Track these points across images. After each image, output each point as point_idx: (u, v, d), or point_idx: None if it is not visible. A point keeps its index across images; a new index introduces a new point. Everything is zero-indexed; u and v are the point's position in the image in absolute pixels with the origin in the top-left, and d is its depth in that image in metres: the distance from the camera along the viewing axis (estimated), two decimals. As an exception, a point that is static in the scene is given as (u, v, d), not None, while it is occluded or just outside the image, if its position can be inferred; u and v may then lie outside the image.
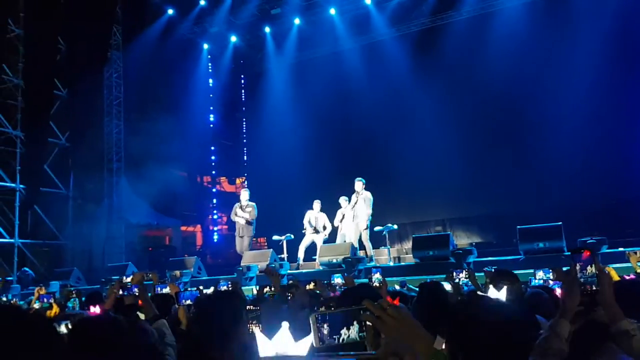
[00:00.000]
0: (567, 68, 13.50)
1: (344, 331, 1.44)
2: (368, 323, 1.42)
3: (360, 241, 11.46)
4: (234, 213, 12.13)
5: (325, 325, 1.44)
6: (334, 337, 1.44)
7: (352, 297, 2.26)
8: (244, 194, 12.25)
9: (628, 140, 12.94)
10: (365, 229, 11.31)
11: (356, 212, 11.36)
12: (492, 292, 3.02)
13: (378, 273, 6.48)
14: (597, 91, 12.98)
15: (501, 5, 15.11)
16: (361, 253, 11.30)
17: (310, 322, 1.45)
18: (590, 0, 13.74)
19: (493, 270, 5.38)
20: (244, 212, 11.93)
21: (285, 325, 1.90)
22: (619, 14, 13.08)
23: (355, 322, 1.44)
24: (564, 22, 14.02)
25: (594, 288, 2.05)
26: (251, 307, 3.46)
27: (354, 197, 11.50)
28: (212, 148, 19.53)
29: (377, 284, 5.76)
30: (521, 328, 1.67)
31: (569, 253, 2.20)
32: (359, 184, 11.47)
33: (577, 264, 2.09)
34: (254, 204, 12.08)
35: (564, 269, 4.76)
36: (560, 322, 2.02)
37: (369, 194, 11.44)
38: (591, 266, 2.09)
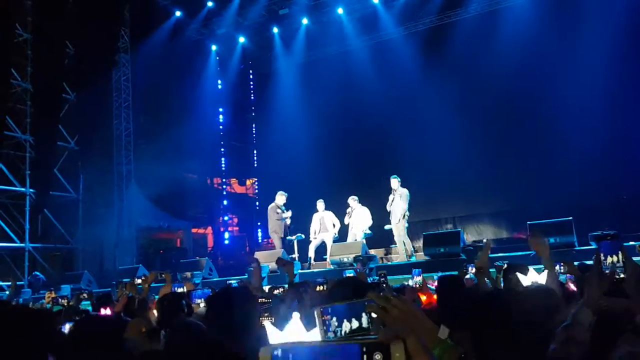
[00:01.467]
0: (577, 64, 13.37)
1: (345, 323, 1.42)
2: (373, 315, 1.41)
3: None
4: (274, 214, 12.17)
5: (330, 318, 1.43)
6: (338, 329, 1.42)
7: (343, 289, 2.26)
8: (282, 198, 12.24)
9: (637, 136, 12.80)
10: (403, 225, 11.34)
11: (393, 210, 11.35)
12: (532, 275, 3.10)
13: (421, 276, 6.16)
14: (607, 87, 12.87)
15: (509, 2, 15.01)
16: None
17: (315, 315, 1.44)
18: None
19: (504, 265, 5.33)
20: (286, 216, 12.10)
21: (296, 315, 1.88)
22: (629, 9, 12.96)
23: (364, 314, 1.43)
24: (572, 18, 13.88)
25: (621, 276, 1.99)
26: (263, 300, 3.45)
27: (390, 196, 11.46)
28: (222, 150, 19.54)
29: (418, 286, 5.68)
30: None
31: (594, 245, 2.14)
32: (394, 182, 11.48)
33: (602, 253, 2.04)
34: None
35: (575, 263, 4.70)
36: (583, 311, 1.97)
37: (405, 191, 11.45)
38: (611, 256, 2.03)
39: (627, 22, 12.85)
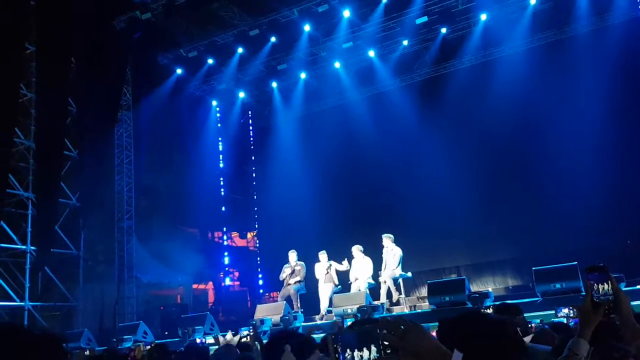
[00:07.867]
0: (575, 110, 13.60)
1: (356, 352, 1.41)
2: (385, 342, 1.39)
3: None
4: (283, 273, 12.38)
5: (341, 345, 1.42)
6: (350, 357, 1.41)
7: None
8: (292, 256, 12.38)
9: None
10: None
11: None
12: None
13: None
14: (605, 133, 13.02)
15: (502, 53, 15.36)
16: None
17: (328, 341, 1.45)
18: (588, 45, 13.97)
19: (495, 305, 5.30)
20: (295, 274, 12.18)
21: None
22: (621, 55, 13.23)
23: (372, 345, 1.42)
24: (565, 66, 14.19)
25: (611, 306, 1.99)
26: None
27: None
28: (223, 203, 19.55)
29: None
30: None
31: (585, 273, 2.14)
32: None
33: (592, 283, 2.03)
34: (302, 263, 12.32)
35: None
36: (579, 342, 1.97)
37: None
38: (602, 284, 2.02)
39: (621, 67, 13.10)
